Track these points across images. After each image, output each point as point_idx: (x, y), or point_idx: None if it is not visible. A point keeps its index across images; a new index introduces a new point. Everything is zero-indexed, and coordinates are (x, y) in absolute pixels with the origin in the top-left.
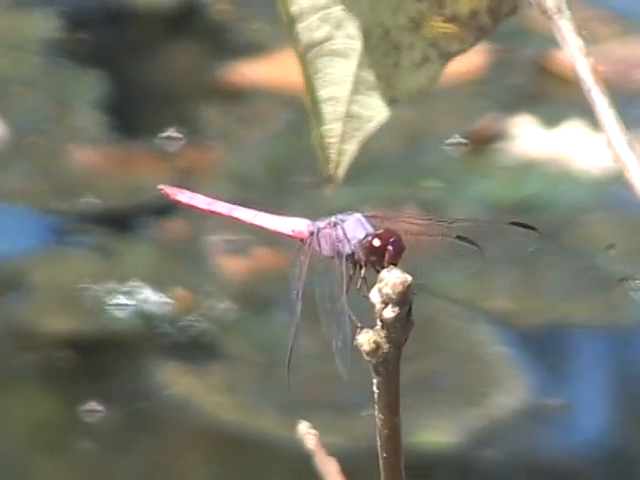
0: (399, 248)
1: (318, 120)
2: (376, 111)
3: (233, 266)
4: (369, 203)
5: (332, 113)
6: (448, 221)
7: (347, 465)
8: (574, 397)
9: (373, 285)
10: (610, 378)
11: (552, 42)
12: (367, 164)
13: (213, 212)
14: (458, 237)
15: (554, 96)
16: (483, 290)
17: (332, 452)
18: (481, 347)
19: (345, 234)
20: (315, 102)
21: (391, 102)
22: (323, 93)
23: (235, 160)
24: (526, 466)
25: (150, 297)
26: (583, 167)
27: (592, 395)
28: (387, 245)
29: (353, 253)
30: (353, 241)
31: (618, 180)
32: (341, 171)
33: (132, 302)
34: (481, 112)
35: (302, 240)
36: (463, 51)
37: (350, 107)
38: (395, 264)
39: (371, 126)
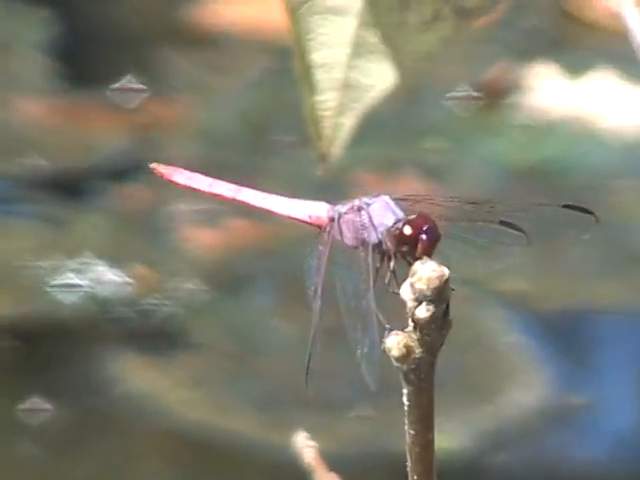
0: (434, 237)
1: (310, 89)
2: (378, 79)
3: (202, 240)
4: (363, 167)
5: (327, 81)
6: (489, 204)
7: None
8: (601, 394)
9: (404, 280)
10: (639, 371)
11: None
12: (363, 120)
13: (215, 195)
14: (502, 222)
15: (578, 41)
16: (496, 269)
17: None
18: (493, 336)
19: (371, 220)
20: (307, 68)
21: (396, 67)
22: (316, 57)
23: (205, 115)
24: (545, 475)
25: (105, 276)
26: (611, 125)
27: (621, 392)
28: (420, 233)
29: (380, 242)
30: (380, 228)
31: None
32: (336, 149)
33: (83, 281)
34: (493, 60)
35: (321, 227)
36: (482, 8)
37: (348, 74)
38: (429, 255)
39: (372, 96)
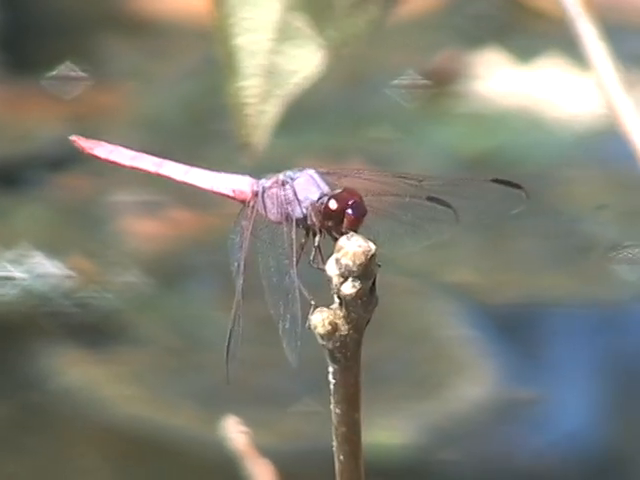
0: (360, 212)
1: (233, 74)
2: (303, 64)
3: (144, 230)
4: (305, 156)
5: (250, 67)
6: (417, 179)
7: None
8: (550, 388)
9: (329, 255)
10: (593, 365)
11: None
12: (304, 108)
13: (138, 169)
14: (429, 198)
15: (526, 28)
16: (442, 260)
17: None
18: (439, 328)
19: (296, 194)
20: (230, 53)
21: (322, 52)
22: (240, 41)
23: (145, 102)
24: (494, 471)
25: (43, 267)
26: (562, 113)
27: (572, 386)
28: (346, 208)
29: (305, 217)
30: (305, 203)
31: (605, 129)
32: (260, 137)
33: (20, 273)
34: (440, 46)
35: (244, 202)
36: None
37: (272, 59)
38: (356, 230)
39: (296, 82)
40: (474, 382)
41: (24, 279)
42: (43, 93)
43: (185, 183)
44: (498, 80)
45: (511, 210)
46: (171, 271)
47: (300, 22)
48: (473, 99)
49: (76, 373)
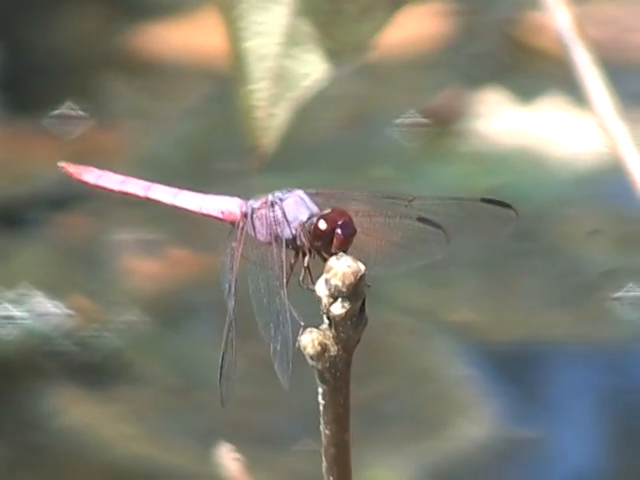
0: (350, 232)
1: (243, 78)
2: (313, 68)
3: (144, 270)
4: None
5: (260, 70)
6: (407, 199)
7: None
8: (551, 428)
9: (319, 276)
10: (593, 404)
11: (524, 3)
12: (305, 147)
13: (126, 193)
14: (419, 219)
15: (528, 67)
16: (443, 299)
17: None
18: (440, 368)
19: (285, 215)
20: (239, 56)
21: (331, 57)
22: (249, 45)
23: (146, 142)
24: None
25: (44, 307)
26: (563, 152)
27: (572, 425)
28: (335, 228)
29: (295, 237)
30: (294, 223)
31: (606, 168)
32: (270, 141)
33: (21, 313)
34: (441, 86)
35: (233, 223)
36: None
37: (281, 63)
38: (345, 250)
39: (306, 86)
40: (475, 421)
41: (25, 319)
42: (44, 133)
43: (174, 206)
44: (499, 119)
45: (502, 231)
46: (171, 310)
47: (309, 27)
48: (474, 138)
49: (76, 412)
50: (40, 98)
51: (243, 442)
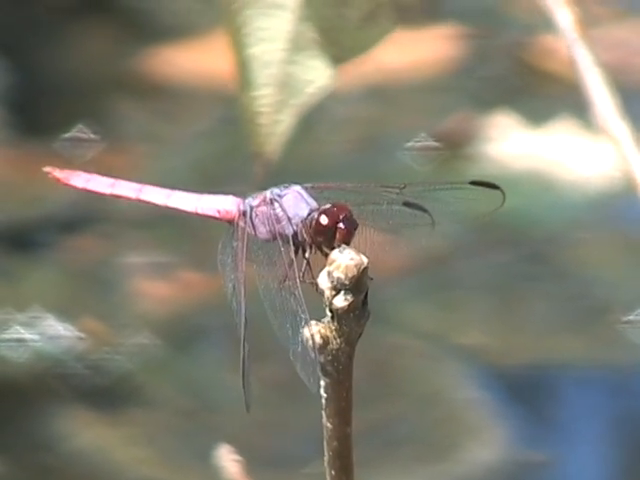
0: (352, 225)
1: (246, 84)
2: (317, 74)
3: (155, 292)
4: None
5: (263, 76)
6: (398, 187)
7: None
8: (561, 451)
9: (320, 270)
10: (604, 428)
11: (535, 27)
12: (314, 171)
13: (117, 196)
14: (405, 203)
15: (539, 90)
16: (452, 321)
17: None
18: (450, 391)
19: (285, 212)
20: (243, 63)
21: (335, 62)
22: (253, 51)
23: (158, 165)
24: None
25: (55, 330)
26: (574, 176)
27: (583, 448)
28: (337, 222)
29: (296, 234)
30: (295, 220)
31: (617, 191)
32: (274, 147)
33: (32, 335)
34: (451, 109)
35: (230, 222)
36: (419, 4)
37: (286, 69)
38: (348, 244)
39: (311, 93)
40: (485, 444)
41: (36, 341)
42: (55, 156)
43: (168, 207)
44: (510, 143)
45: (492, 211)
46: (182, 333)
47: (313, 33)
48: (485, 162)
49: (88, 435)
50: (51, 121)
51: (255, 464)
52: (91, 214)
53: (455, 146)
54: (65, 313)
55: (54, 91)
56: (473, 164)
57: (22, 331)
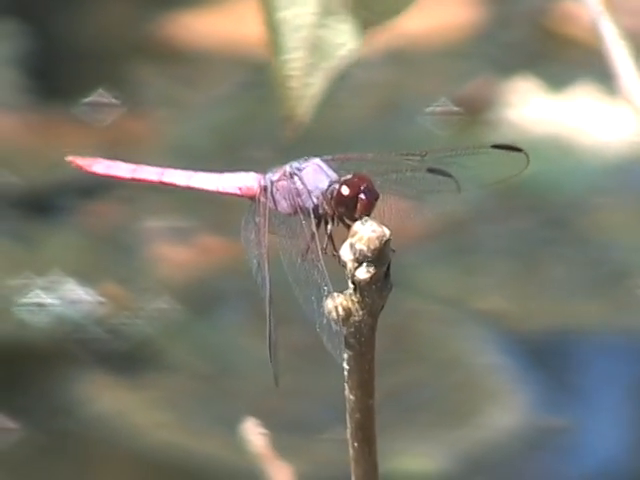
0: (373, 195)
1: (277, 48)
2: (347, 37)
3: (175, 257)
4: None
5: (294, 39)
6: (420, 154)
7: None
8: (581, 416)
9: (342, 242)
10: (624, 394)
11: None
12: (333, 136)
13: (139, 180)
14: (429, 170)
15: (558, 56)
16: (472, 287)
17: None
18: (469, 356)
19: (305, 185)
20: (273, 26)
21: (366, 26)
22: (284, 15)
23: (178, 130)
24: None
25: (75, 294)
26: (594, 141)
27: (603, 414)
28: (359, 193)
29: (317, 206)
30: (315, 192)
31: (637, 157)
32: (304, 110)
33: (52, 300)
34: (472, 74)
35: (252, 198)
36: None
37: (316, 32)
38: (369, 214)
39: (342, 56)
40: (505, 410)
41: (56, 306)
42: (75, 120)
43: (190, 188)
44: (530, 108)
45: (515, 174)
46: (202, 298)
47: None
48: (505, 127)
49: (107, 400)
50: (72, 86)
51: (273, 429)
52: (111, 179)
53: (475, 111)
54: (85, 278)
55: (74, 56)
56: (493, 129)
57: (42, 295)
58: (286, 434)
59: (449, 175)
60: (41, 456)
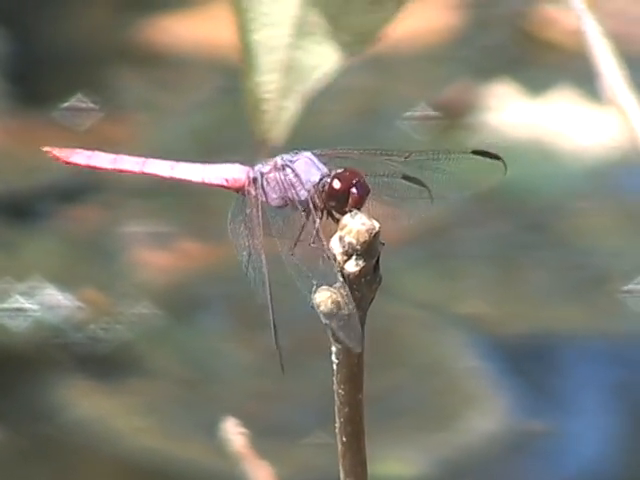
0: (365, 190)
1: (252, 70)
2: (323, 59)
3: (155, 262)
4: None
5: (269, 62)
6: (403, 155)
7: None
8: (561, 420)
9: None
10: (604, 398)
11: None
12: (314, 140)
13: (121, 171)
14: (404, 177)
15: (538, 60)
16: (452, 291)
17: None
18: (450, 360)
19: (298, 177)
20: (249, 48)
21: (341, 48)
22: (259, 37)
23: (156, 134)
24: None
25: (54, 299)
26: (574, 145)
27: (582, 418)
28: (350, 187)
29: (308, 199)
30: (307, 185)
31: (617, 161)
32: (279, 134)
33: (32, 305)
34: (451, 79)
35: (239, 190)
36: None
37: (292, 54)
38: (359, 208)
39: (317, 78)
40: (486, 414)
41: (35, 311)
42: (54, 125)
43: (173, 179)
44: (509, 112)
45: (492, 182)
46: (182, 303)
47: (318, 18)
48: (484, 131)
49: (87, 405)
50: (50, 90)
51: (254, 434)
52: (91, 184)
53: (454, 115)
54: (65, 283)
55: (53, 60)
56: (472, 133)
57: (22, 300)
58: (267, 439)
59: (423, 185)
60: (21, 461)
